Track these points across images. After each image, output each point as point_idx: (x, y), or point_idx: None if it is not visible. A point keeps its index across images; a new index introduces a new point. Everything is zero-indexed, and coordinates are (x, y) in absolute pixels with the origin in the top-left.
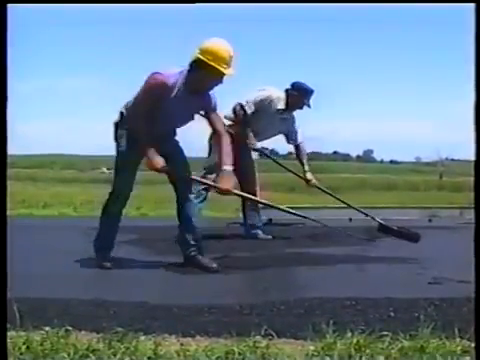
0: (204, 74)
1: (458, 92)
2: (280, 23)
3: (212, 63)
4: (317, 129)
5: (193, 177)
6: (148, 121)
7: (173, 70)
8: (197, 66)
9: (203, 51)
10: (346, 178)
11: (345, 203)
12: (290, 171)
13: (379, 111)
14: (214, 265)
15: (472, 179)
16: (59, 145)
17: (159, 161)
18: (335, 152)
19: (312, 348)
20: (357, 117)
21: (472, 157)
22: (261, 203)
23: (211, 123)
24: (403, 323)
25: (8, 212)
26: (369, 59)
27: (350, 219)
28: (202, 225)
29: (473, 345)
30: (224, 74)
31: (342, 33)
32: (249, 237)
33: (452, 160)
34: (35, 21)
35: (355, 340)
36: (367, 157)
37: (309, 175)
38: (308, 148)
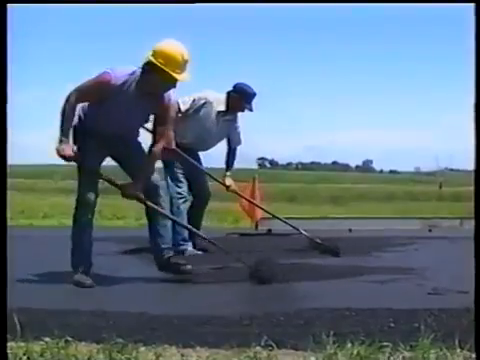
0: (156, 78)
1: (457, 102)
2: (273, 28)
3: (164, 67)
4: (316, 139)
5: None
6: (93, 119)
7: (126, 69)
8: (149, 69)
9: (156, 53)
10: (346, 188)
11: (270, 213)
12: (210, 176)
13: (378, 121)
14: (189, 266)
15: (472, 189)
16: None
17: (68, 148)
18: (334, 162)
19: (313, 359)
20: (356, 127)
21: (472, 167)
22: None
23: (154, 127)
24: (403, 333)
25: (8, 222)
26: (369, 69)
27: (350, 230)
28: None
29: (474, 356)
30: (176, 79)
31: (342, 42)
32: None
33: (452, 170)
34: (36, 31)
35: (355, 351)
36: (366, 167)
37: (228, 180)
38: (308, 158)
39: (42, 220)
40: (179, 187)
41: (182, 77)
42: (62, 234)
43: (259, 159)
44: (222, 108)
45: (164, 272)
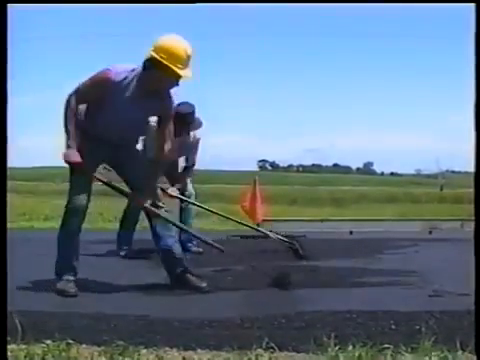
0: (158, 74)
1: (458, 104)
2: (274, 30)
3: (166, 62)
4: (317, 142)
5: (98, 177)
6: (93, 120)
7: (126, 66)
8: (150, 65)
9: (157, 48)
10: (347, 191)
11: (224, 215)
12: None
13: (379, 123)
14: (204, 284)
15: (472, 191)
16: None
17: (74, 154)
18: (335, 165)
19: None
20: (357, 130)
21: (472, 169)
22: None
23: (158, 130)
24: (404, 336)
25: (9, 225)
26: (369, 71)
27: (351, 232)
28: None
29: (475, 358)
30: (180, 75)
31: (342, 44)
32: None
33: (452, 172)
34: (36, 35)
35: (357, 353)
36: (367, 169)
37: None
38: (308, 160)
39: (43, 222)
40: None
41: (185, 73)
42: None
43: (260, 161)
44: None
45: (178, 288)
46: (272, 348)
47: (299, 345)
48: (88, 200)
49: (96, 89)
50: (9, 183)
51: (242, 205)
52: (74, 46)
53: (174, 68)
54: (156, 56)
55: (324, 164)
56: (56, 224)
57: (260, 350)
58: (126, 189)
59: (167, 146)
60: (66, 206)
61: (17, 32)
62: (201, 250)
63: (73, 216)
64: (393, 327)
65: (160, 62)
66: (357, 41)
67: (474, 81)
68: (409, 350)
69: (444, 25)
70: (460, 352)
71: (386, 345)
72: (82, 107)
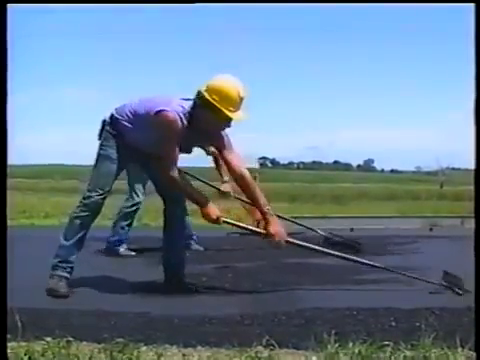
0: (209, 114)
1: (458, 101)
2: (274, 28)
3: (218, 105)
4: (318, 138)
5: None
6: (134, 136)
7: (174, 104)
8: (201, 104)
9: (210, 89)
10: (347, 188)
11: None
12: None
13: (380, 120)
14: (193, 286)
15: (473, 188)
16: (60, 155)
17: (215, 211)
18: (336, 162)
19: (314, 358)
20: (358, 126)
21: (472, 166)
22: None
23: (225, 161)
24: (404, 333)
25: (9, 222)
26: (370, 68)
27: (351, 229)
28: (202, 235)
29: (475, 355)
30: (231, 119)
31: (343, 42)
32: (112, 253)
33: (453, 169)
34: (35, 31)
35: (357, 350)
36: (368, 166)
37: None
38: (309, 157)
39: (43, 220)
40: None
41: (237, 116)
42: None
43: (260, 158)
44: None
45: (168, 287)
46: (272, 345)
47: (299, 342)
48: (105, 197)
49: (175, 134)
50: (9, 181)
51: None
52: (74, 44)
53: (226, 111)
54: (209, 98)
55: (324, 161)
56: (56, 221)
57: (260, 347)
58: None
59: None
60: (82, 199)
61: (17, 29)
62: (202, 248)
63: (87, 213)
64: (393, 324)
65: (212, 104)
66: (358, 38)
67: (474, 80)
68: (409, 347)
69: (444, 23)
70: (460, 349)
71: (386, 342)
72: (133, 114)
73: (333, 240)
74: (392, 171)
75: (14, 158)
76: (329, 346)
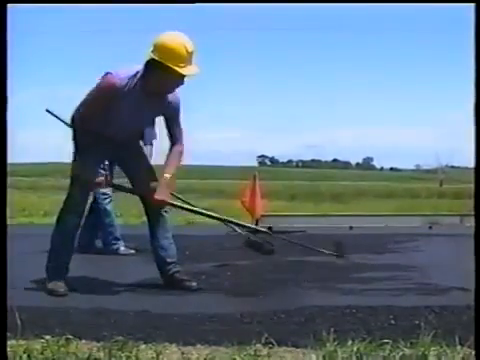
0: (160, 75)
1: (458, 99)
2: (274, 27)
3: (166, 62)
4: (317, 137)
5: (114, 183)
6: (99, 125)
7: (128, 70)
8: (151, 66)
9: (156, 48)
10: (346, 186)
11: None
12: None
13: (379, 119)
14: (194, 284)
15: (472, 186)
16: (59, 153)
17: (166, 193)
18: (335, 160)
19: (313, 356)
20: (357, 125)
21: (472, 164)
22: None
23: (168, 129)
24: (404, 331)
25: (8, 221)
26: (369, 67)
27: (350, 227)
28: (202, 234)
29: (474, 353)
30: (183, 75)
31: (342, 40)
32: (109, 253)
33: (452, 167)
34: (36, 28)
35: (356, 348)
36: (367, 165)
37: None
38: (308, 156)
39: (42, 218)
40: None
41: (189, 71)
42: None
43: (259, 157)
44: None
45: (169, 287)
46: (271, 343)
47: (298, 340)
48: (87, 200)
49: (102, 97)
50: (8, 179)
51: (242, 200)
52: (74, 41)
53: (176, 68)
54: (155, 57)
55: (324, 159)
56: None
57: (259, 345)
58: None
59: (180, 144)
60: (64, 204)
61: (16, 26)
62: (132, 251)
63: (72, 215)
64: (392, 322)
65: (161, 63)
66: (357, 36)
67: (474, 80)
68: (408, 345)
69: (445, 21)
70: (459, 347)
71: (385, 340)
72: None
73: (250, 241)
74: (391, 169)
75: (14, 156)
76: (328, 344)
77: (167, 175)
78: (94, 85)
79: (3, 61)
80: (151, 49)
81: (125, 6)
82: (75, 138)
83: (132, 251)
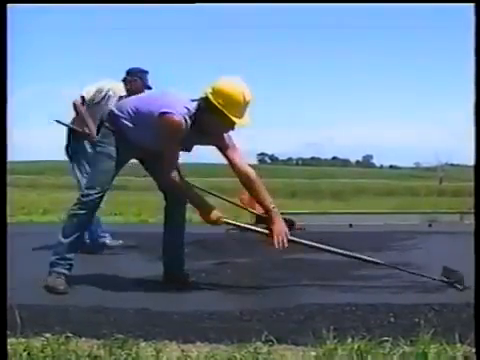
0: (214, 118)
1: (458, 97)
2: (273, 25)
3: (223, 109)
4: (316, 135)
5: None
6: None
7: (179, 106)
8: (207, 107)
9: (215, 92)
10: (346, 183)
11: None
12: None
13: (379, 116)
14: (191, 280)
15: (472, 184)
16: (59, 151)
17: (216, 213)
18: (334, 157)
19: (313, 354)
20: (357, 122)
21: (472, 162)
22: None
23: (229, 160)
24: (403, 328)
25: (8, 219)
26: (370, 64)
27: (350, 225)
28: (202, 231)
29: (474, 350)
30: (234, 123)
31: (343, 38)
32: (97, 247)
33: (452, 165)
34: (35, 27)
35: (356, 346)
36: (367, 162)
37: None
38: (308, 153)
39: (42, 216)
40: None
41: (241, 121)
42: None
43: (259, 155)
44: (123, 92)
45: (167, 283)
46: (271, 341)
47: (298, 338)
48: (104, 194)
49: (178, 138)
50: (8, 177)
51: (241, 198)
52: (74, 38)
53: (231, 116)
54: (214, 101)
55: (323, 157)
56: (55, 218)
57: (259, 343)
58: None
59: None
60: (81, 196)
61: (16, 24)
62: (120, 241)
63: (88, 207)
64: (392, 320)
65: (217, 108)
66: (357, 34)
67: (474, 79)
68: (408, 343)
69: (445, 18)
70: (459, 345)
71: (385, 338)
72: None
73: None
74: (391, 167)
75: (13, 155)
76: (328, 342)
77: (273, 206)
78: (163, 130)
79: (3, 61)
80: (210, 90)
81: (126, 5)
82: (102, 132)
83: (120, 242)
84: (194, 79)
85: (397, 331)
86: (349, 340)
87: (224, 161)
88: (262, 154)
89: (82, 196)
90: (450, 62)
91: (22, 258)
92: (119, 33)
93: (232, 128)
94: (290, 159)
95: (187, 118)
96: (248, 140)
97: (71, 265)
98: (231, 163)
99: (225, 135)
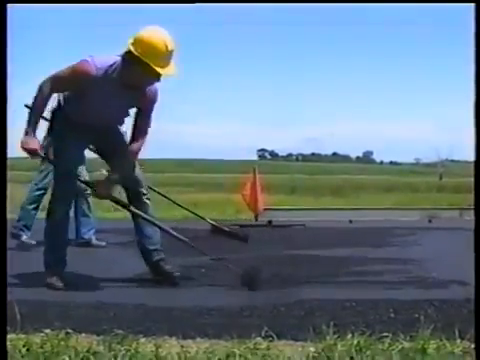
0: (136, 70)
1: (458, 93)
2: (275, 23)
3: (144, 59)
4: (317, 131)
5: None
6: (74, 110)
7: (107, 58)
8: (129, 59)
9: (136, 42)
10: (346, 179)
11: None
12: None
13: (379, 112)
14: (177, 273)
15: (472, 180)
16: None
17: (33, 142)
18: (335, 153)
19: (312, 349)
20: (357, 118)
21: (472, 158)
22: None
23: (136, 120)
24: (403, 324)
25: (8, 215)
26: (370, 61)
27: (350, 221)
28: (200, 228)
29: (473, 346)
30: (159, 74)
31: (343, 33)
32: (81, 243)
33: (452, 161)
34: (35, 23)
35: (355, 341)
36: (367, 158)
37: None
38: (308, 149)
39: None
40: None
41: (165, 71)
42: None
43: (259, 150)
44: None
45: (152, 274)
46: (271, 336)
47: (298, 333)
48: (75, 189)
49: (74, 81)
50: (8, 173)
51: (242, 194)
52: (73, 35)
53: (153, 66)
54: (134, 51)
55: (323, 153)
56: None
57: (259, 339)
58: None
59: (142, 140)
60: (52, 197)
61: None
62: (103, 243)
63: (60, 206)
64: (392, 315)
65: (139, 58)
66: (358, 30)
67: (474, 79)
68: (407, 338)
69: (445, 15)
70: (458, 341)
71: (385, 333)
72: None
73: (220, 229)
74: (391, 163)
75: (14, 151)
76: (328, 337)
77: (105, 172)
78: (70, 66)
79: (3, 60)
80: (131, 41)
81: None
82: (52, 126)
83: (103, 243)
84: (194, 79)
85: (397, 327)
86: (349, 336)
87: (223, 157)
88: (262, 150)
89: (52, 193)
90: (451, 58)
91: (22, 254)
92: (119, 32)
93: (157, 79)
94: (290, 155)
95: (101, 67)
96: (248, 136)
97: (65, 262)
98: (136, 126)
99: (151, 101)
